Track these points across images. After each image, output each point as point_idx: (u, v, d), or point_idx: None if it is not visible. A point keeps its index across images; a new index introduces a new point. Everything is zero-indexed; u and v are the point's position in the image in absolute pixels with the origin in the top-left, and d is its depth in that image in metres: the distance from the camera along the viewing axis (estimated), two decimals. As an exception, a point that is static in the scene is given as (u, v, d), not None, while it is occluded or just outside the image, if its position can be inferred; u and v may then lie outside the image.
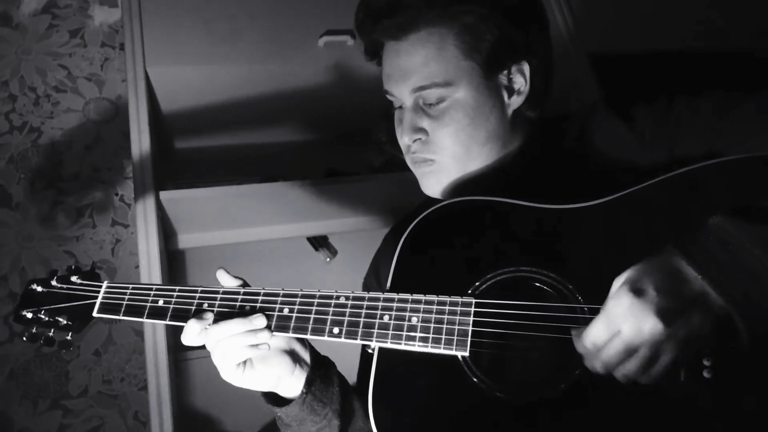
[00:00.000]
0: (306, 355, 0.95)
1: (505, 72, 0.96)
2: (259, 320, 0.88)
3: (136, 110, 1.51)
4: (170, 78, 1.59)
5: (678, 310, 0.71)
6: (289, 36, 1.65)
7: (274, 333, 0.89)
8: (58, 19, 1.97)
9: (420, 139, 0.96)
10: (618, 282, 0.74)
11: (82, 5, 1.99)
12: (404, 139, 0.98)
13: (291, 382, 0.93)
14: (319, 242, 1.86)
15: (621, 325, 0.72)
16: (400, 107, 0.99)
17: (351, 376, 1.11)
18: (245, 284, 0.94)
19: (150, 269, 1.39)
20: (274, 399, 0.95)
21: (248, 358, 0.89)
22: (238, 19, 1.63)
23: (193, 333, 0.88)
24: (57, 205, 1.79)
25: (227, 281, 0.94)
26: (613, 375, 0.74)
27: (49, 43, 1.94)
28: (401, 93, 0.97)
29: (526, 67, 0.96)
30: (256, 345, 0.88)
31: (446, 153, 0.96)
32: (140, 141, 1.48)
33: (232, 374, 0.89)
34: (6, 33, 1.91)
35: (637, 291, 0.71)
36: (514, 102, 0.97)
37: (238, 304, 0.90)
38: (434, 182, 0.99)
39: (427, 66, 0.93)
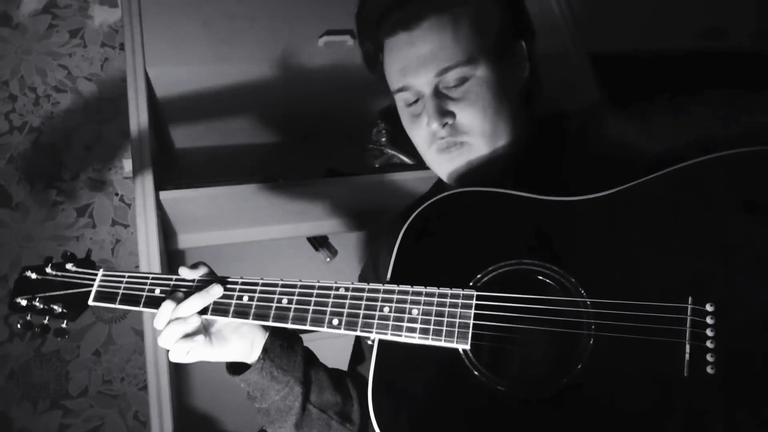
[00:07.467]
0: None
1: (511, 52, 0.97)
2: (216, 289, 0.89)
3: (136, 110, 1.50)
4: (170, 78, 1.59)
5: None
6: (289, 36, 1.65)
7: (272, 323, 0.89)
8: (58, 19, 1.97)
9: (448, 123, 0.94)
10: None
11: (82, 5, 1.99)
12: (433, 126, 0.94)
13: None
14: (319, 242, 1.85)
15: None
16: (415, 101, 0.97)
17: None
18: (211, 272, 0.93)
19: (150, 269, 1.39)
20: (239, 369, 0.96)
21: (189, 348, 0.89)
22: (238, 19, 1.63)
23: (165, 314, 0.88)
24: (57, 205, 1.79)
25: (188, 274, 0.93)
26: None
27: (49, 43, 1.94)
28: (422, 81, 0.94)
29: (525, 46, 0.98)
30: (191, 336, 0.88)
31: (476, 132, 0.94)
32: (140, 141, 1.48)
33: (195, 355, 0.90)
34: (6, 33, 1.92)
35: None
36: (521, 80, 0.98)
37: (235, 294, 0.90)
38: (465, 165, 0.96)
39: (446, 48, 0.92)
